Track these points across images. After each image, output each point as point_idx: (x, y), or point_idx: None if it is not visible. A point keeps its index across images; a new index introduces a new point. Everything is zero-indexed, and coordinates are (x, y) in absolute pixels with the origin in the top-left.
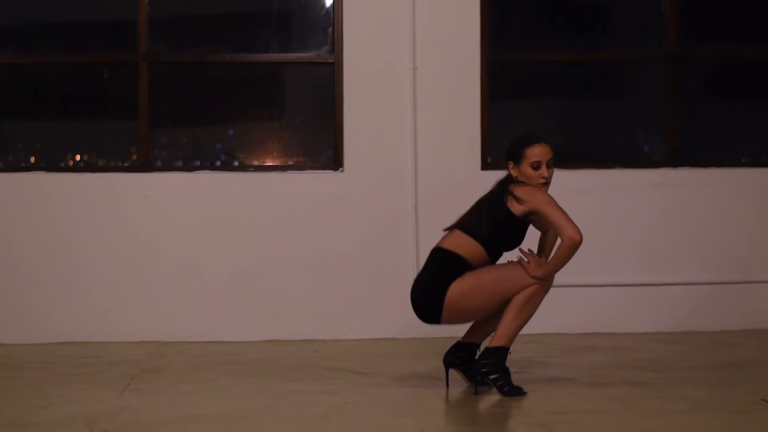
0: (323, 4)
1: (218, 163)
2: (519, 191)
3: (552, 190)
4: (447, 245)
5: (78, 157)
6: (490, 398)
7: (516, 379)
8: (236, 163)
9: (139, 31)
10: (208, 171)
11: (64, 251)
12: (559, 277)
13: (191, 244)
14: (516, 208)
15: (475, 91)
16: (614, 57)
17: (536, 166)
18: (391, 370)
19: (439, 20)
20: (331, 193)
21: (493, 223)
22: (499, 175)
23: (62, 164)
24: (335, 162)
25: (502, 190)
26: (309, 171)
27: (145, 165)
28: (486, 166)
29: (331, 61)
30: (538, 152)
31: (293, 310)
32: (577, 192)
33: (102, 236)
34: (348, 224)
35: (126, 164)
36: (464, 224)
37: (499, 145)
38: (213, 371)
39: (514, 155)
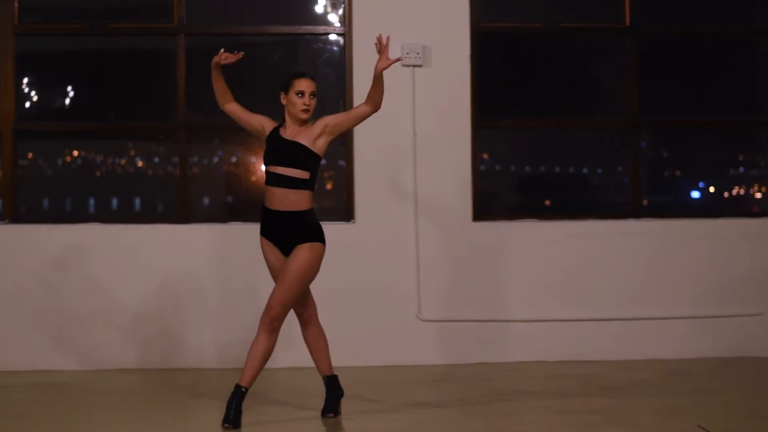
0: (335, 81)
1: None
2: None
3: (536, 238)
4: None
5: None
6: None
7: (498, 406)
8: None
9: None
10: (242, 222)
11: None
12: (541, 312)
13: (234, 282)
14: None
15: (467, 154)
16: (584, 123)
17: (300, 95)
18: (394, 397)
19: (435, 94)
20: (344, 241)
21: None
22: (489, 225)
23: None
24: (348, 214)
25: None
26: (326, 222)
27: (184, 216)
28: (476, 217)
29: None
30: (303, 84)
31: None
32: (557, 240)
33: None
34: (358, 267)
35: (169, 215)
36: None
37: (486, 200)
38: (251, 398)
39: (285, 86)
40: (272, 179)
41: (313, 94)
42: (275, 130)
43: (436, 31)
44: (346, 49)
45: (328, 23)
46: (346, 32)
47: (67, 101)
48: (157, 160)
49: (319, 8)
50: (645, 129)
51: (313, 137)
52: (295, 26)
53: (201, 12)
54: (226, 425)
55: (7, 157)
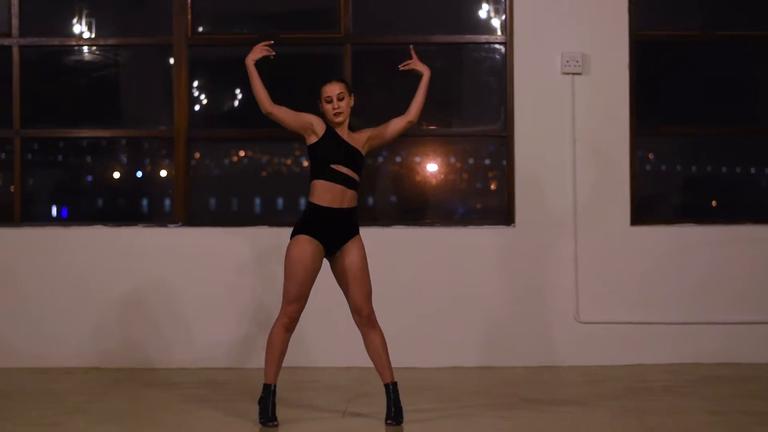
0: (496, 88)
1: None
2: None
3: (694, 242)
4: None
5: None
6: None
7: (652, 406)
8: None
9: None
10: (406, 226)
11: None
12: (697, 315)
13: (399, 284)
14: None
15: (625, 161)
16: (742, 130)
17: (328, 101)
18: (551, 396)
19: (594, 101)
20: (505, 244)
21: None
22: (645, 230)
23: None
24: (508, 219)
25: None
26: (487, 226)
27: None
28: (634, 222)
29: (505, 134)
30: (328, 89)
31: (472, 341)
32: (715, 244)
33: None
34: (519, 270)
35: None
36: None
37: (648, 202)
38: (411, 396)
39: (318, 96)
40: (340, 178)
41: (340, 97)
42: (331, 130)
43: (595, 39)
44: (507, 58)
45: (491, 30)
46: (507, 41)
47: (236, 104)
48: None
49: (481, 16)
50: None
51: (362, 145)
52: (458, 35)
53: (367, 21)
54: (389, 422)
55: (180, 163)
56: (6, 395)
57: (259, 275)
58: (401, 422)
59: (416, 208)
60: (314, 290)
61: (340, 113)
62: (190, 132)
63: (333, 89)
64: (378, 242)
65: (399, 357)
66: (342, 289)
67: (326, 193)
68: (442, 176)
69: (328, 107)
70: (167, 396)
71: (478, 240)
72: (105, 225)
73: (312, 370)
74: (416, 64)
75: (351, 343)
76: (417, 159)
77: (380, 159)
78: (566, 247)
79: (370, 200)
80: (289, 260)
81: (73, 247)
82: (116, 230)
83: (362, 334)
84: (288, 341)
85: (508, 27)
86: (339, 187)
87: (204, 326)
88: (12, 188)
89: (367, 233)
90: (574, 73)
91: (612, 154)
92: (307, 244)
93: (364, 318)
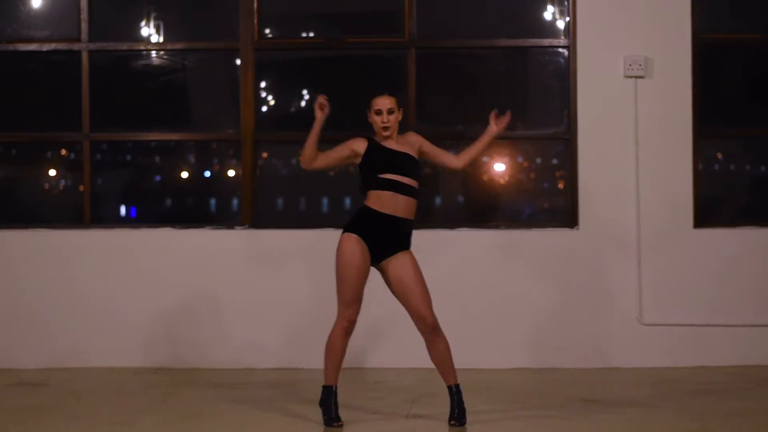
0: (559, 92)
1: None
2: None
3: (758, 245)
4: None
5: None
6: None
7: (713, 407)
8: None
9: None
10: (471, 228)
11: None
12: (762, 317)
13: (463, 286)
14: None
15: (688, 164)
16: None
17: (378, 113)
18: (613, 397)
19: (657, 104)
20: (569, 246)
21: None
22: (708, 232)
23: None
24: (572, 221)
25: None
26: (550, 229)
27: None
28: (698, 224)
29: (568, 137)
30: (379, 102)
31: (534, 342)
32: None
33: None
34: (581, 272)
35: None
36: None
37: (713, 203)
38: (472, 397)
39: (368, 106)
40: (393, 186)
41: (390, 111)
42: (374, 143)
43: (658, 42)
44: (570, 61)
45: (555, 34)
46: (570, 45)
47: (302, 105)
48: None
49: (545, 19)
50: None
51: (415, 149)
52: (522, 39)
53: (431, 25)
54: (452, 422)
55: (247, 165)
56: (77, 394)
57: (327, 277)
58: (464, 423)
59: (482, 209)
60: (374, 292)
61: (388, 127)
62: (256, 134)
63: (384, 103)
64: (443, 244)
65: (461, 358)
66: (399, 301)
67: (378, 200)
68: (507, 177)
69: (377, 119)
70: (233, 396)
71: (542, 242)
72: (173, 227)
73: (375, 372)
74: (499, 125)
75: (415, 344)
76: (484, 159)
77: None
78: (629, 250)
79: (437, 200)
80: (340, 263)
81: (142, 249)
82: (184, 232)
83: (426, 341)
84: (347, 344)
85: (571, 30)
86: (389, 193)
87: (271, 328)
88: (81, 188)
89: (432, 235)
90: (636, 77)
91: (675, 157)
92: (356, 245)
93: (429, 326)
